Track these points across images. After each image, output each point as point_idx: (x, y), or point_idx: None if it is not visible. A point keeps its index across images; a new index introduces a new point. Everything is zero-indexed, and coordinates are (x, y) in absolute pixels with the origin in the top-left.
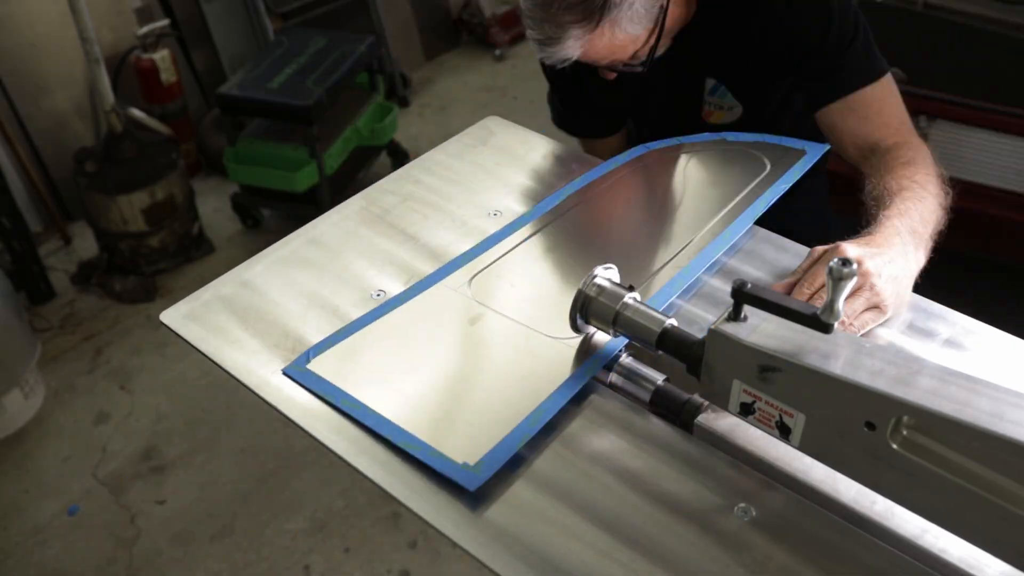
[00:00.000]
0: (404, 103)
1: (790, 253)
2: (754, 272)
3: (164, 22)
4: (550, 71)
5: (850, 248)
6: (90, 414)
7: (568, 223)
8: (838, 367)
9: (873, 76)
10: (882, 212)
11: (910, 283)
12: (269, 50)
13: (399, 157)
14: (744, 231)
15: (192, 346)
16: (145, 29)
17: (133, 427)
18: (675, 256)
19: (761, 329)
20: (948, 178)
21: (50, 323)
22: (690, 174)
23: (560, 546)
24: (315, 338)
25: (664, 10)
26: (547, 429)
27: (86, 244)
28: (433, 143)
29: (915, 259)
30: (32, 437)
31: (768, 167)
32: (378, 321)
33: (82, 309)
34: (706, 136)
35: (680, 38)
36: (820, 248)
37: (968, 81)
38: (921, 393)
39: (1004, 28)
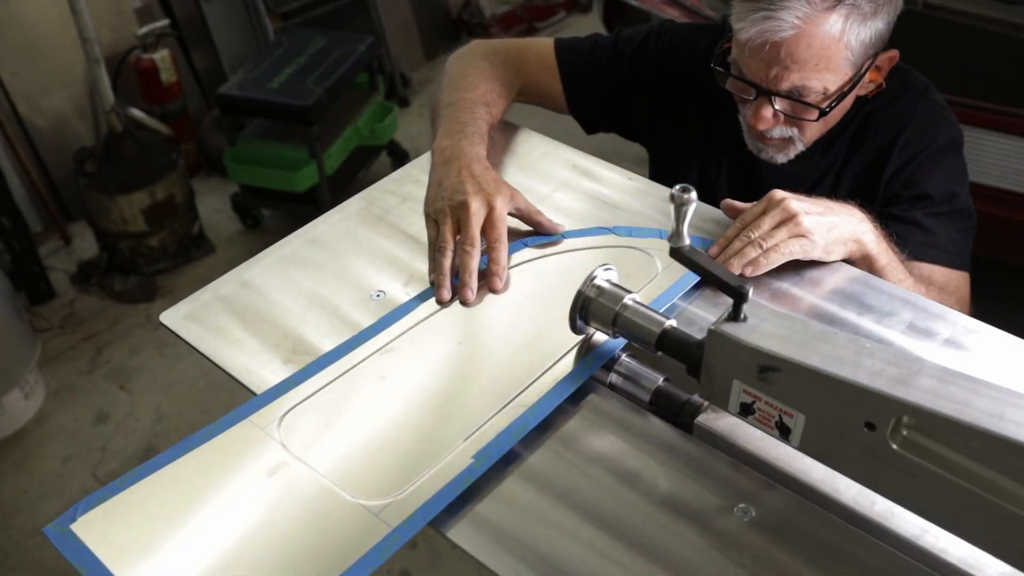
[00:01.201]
0: (404, 103)
1: None
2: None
3: (164, 22)
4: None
5: (779, 191)
6: (90, 414)
7: (414, 343)
8: (838, 367)
9: (950, 263)
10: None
11: (849, 233)
12: (269, 50)
13: (399, 157)
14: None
15: (192, 346)
16: (145, 29)
17: (133, 427)
18: (519, 395)
19: (761, 329)
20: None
21: (50, 323)
22: (566, 282)
23: (560, 546)
24: (315, 338)
25: (871, 63)
26: (547, 429)
27: (86, 244)
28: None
29: (861, 227)
30: (32, 437)
31: (659, 269)
32: (169, 466)
33: (82, 309)
34: (595, 231)
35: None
36: (764, 201)
37: (968, 81)
38: (921, 393)
39: (1004, 28)
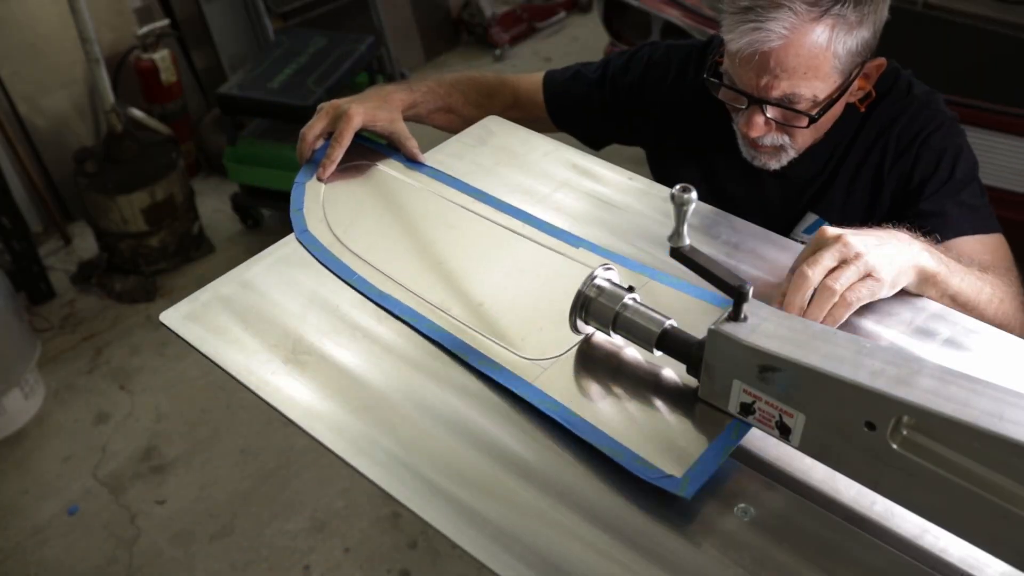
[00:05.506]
0: None
1: (790, 252)
2: (753, 271)
3: (164, 22)
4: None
5: (831, 228)
6: (90, 414)
7: None
8: (838, 367)
9: (981, 229)
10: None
11: (908, 261)
12: (269, 50)
13: None
14: None
15: (192, 346)
16: (145, 29)
17: (133, 427)
18: None
19: (761, 329)
20: None
21: (50, 323)
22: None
23: (560, 546)
24: (315, 338)
25: (859, 70)
26: (546, 428)
27: (86, 244)
28: (433, 143)
29: (918, 252)
30: (32, 437)
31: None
32: None
33: (82, 309)
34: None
35: (806, 157)
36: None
37: (968, 81)
38: (921, 393)
39: (1004, 28)
